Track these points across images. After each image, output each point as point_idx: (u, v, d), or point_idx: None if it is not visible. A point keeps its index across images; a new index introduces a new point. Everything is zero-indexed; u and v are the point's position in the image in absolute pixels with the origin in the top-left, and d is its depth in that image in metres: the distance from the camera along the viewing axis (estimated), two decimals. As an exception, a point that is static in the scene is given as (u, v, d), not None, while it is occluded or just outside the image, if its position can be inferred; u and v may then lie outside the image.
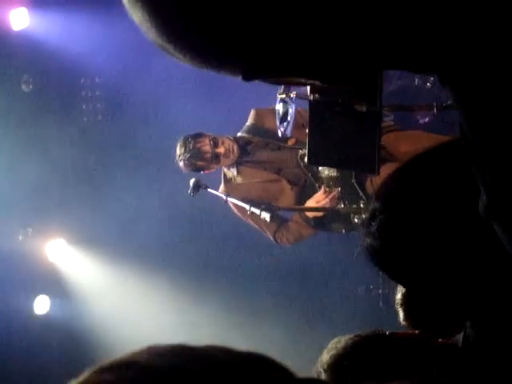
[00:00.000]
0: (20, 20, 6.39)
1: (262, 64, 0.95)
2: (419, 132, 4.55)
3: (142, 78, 6.25)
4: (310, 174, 4.54)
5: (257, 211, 4.26)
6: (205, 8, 0.88)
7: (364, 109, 2.24)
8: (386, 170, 4.14)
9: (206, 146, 4.58)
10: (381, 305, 5.53)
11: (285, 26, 0.89)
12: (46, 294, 6.80)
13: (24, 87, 6.62)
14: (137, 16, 0.93)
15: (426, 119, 4.57)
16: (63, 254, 6.76)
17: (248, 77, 0.96)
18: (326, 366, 1.71)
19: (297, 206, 4.64)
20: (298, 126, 4.07)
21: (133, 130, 6.47)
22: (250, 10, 0.88)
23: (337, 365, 1.67)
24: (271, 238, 4.72)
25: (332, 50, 0.93)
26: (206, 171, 4.69)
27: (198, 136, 4.63)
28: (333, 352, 1.71)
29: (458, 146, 0.97)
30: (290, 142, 4.57)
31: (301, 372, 0.81)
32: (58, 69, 6.59)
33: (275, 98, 3.83)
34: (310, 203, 4.51)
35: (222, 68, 0.97)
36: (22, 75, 6.61)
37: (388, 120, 4.34)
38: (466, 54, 0.90)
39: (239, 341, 5.69)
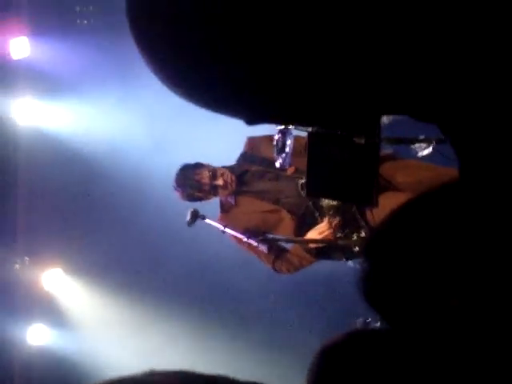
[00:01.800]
0: (20, 50, 6.44)
1: (266, 112, 0.96)
2: (418, 162, 4.55)
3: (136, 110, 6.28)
4: (310, 203, 4.52)
5: (254, 242, 4.24)
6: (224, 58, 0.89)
7: (362, 141, 2.24)
8: (384, 199, 4.14)
9: (205, 178, 4.58)
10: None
11: (285, 77, 0.90)
12: (42, 322, 6.76)
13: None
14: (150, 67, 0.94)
15: (425, 152, 4.57)
16: (60, 284, 6.74)
17: (251, 122, 0.97)
18: None
19: (296, 238, 4.62)
20: (296, 153, 4.07)
21: (134, 161, 6.48)
22: (261, 61, 0.89)
23: None
24: (270, 267, 4.69)
25: (332, 99, 0.93)
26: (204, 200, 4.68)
27: (196, 167, 4.63)
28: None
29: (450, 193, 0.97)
30: (289, 171, 4.55)
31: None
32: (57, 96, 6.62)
33: (269, 125, 3.82)
34: (312, 233, 4.48)
35: (227, 113, 0.98)
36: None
37: (386, 150, 4.34)
38: (465, 111, 0.91)
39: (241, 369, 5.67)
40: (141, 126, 6.48)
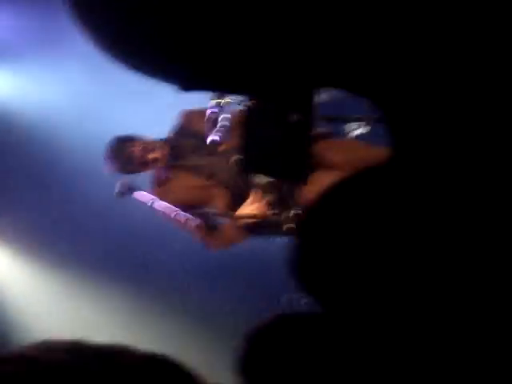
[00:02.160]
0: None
1: (200, 78, 0.96)
2: (351, 141, 4.57)
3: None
4: (241, 181, 4.50)
5: (188, 217, 4.22)
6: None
7: (295, 118, 2.21)
8: (316, 178, 4.14)
9: (138, 151, 4.53)
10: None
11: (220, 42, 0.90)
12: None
13: None
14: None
15: (360, 131, 4.60)
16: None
17: (185, 88, 0.96)
18: None
19: (229, 213, 4.61)
20: (229, 129, 4.04)
21: (61, 135, 6.38)
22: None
23: None
24: (200, 242, 4.67)
25: (265, 66, 0.93)
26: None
27: (128, 139, 4.57)
28: None
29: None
30: (221, 147, 4.52)
31: None
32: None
33: (205, 98, 3.78)
34: (243, 209, 4.48)
35: (161, 77, 0.97)
36: None
37: (322, 129, 4.34)
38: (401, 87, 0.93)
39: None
40: (69, 94, 6.38)
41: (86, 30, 0.93)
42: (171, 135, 4.73)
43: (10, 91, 6.56)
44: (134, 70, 0.96)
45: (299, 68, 0.93)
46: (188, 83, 0.97)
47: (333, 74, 0.95)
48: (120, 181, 4.45)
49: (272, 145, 2.99)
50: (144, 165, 4.57)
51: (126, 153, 4.52)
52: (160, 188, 4.64)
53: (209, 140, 3.98)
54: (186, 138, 4.67)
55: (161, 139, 4.67)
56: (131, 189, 4.43)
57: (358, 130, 4.49)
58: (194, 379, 0.80)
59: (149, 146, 4.56)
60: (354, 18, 0.89)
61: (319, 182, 3.77)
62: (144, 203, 4.46)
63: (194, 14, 0.87)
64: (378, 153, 3.92)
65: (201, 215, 4.33)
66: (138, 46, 0.92)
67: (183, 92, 0.98)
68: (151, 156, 4.54)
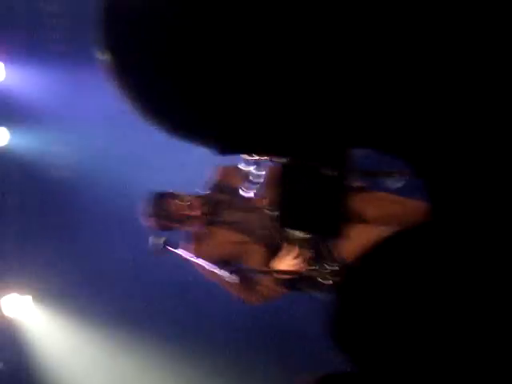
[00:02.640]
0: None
1: (238, 143, 0.98)
2: (388, 194, 4.55)
3: (111, 135, 6.24)
4: (282, 235, 4.50)
5: (226, 274, 4.21)
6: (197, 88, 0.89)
7: (329, 173, 2.22)
8: (354, 232, 4.13)
9: (178, 208, 4.51)
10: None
11: (256, 110, 0.92)
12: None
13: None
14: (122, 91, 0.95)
15: (396, 185, 4.58)
16: (20, 310, 6.66)
17: (224, 152, 0.98)
18: None
19: (268, 269, 4.59)
20: (266, 184, 4.05)
21: (99, 186, 6.42)
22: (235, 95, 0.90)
23: None
24: (240, 298, 4.65)
25: (301, 129, 0.95)
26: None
27: (172, 196, 4.56)
28: None
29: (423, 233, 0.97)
30: (261, 203, 4.53)
31: None
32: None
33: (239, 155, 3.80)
34: (284, 264, 4.46)
35: (199, 141, 0.99)
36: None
37: (357, 182, 4.33)
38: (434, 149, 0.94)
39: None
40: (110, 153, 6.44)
41: (123, 92, 0.95)
42: (208, 191, 4.74)
43: (36, 148, 6.65)
44: (170, 134, 0.97)
45: (332, 129, 0.94)
46: (224, 147, 0.97)
47: (365, 135, 0.96)
48: (153, 237, 4.44)
49: (308, 200, 2.99)
50: (182, 222, 4.56)
51: (165, 210, 4.51)
52: (197, 244, 4.63)
53: (245, 195, 3.98)
54: (223, 194, 4.68)
55: (198, 195, 4.67)
56: (169, 244, 4.42)
57: (393, 183, 4.48)
58: None
59: (187, 202, 4.54)
60: (386, 82, 0.90)
61: (355, 237, 3.77)
62: (186, 259, 4.45)
63: (227, 78, 0.88)
64: (414, 206, 3.91)
65: (238, 271, 4.32)
66: (174, 110, 0.94)
67: (220, 155, 0.99)
68: (190, 213, 4.53)
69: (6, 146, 6.69)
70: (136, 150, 6.15)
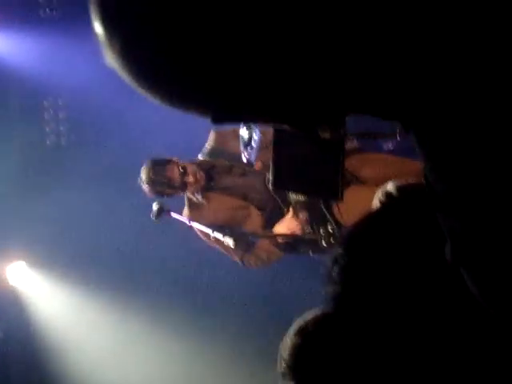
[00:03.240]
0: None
1: (231, 109, 0.96)
2: (383, 155, 4.56)
3: (105, 99, 6.20)
4: (278, 199, 4.51)
5: (220, 236, 4.22)
6: (183, 46, 0.88)
7: (328, 136, 2.22)
8: (350, 193, 4.14)
9: (175, 174, 4.52)
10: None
11: (255, 74, 0.90)
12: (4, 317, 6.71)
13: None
14: (109, 50, 0.93)
15: (390, 145, 4.58)
16: (24, 277, 6.68)
17: (217, 120, 0.97)
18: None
19: (263, 232, 4.61)
20: (262, 147, 4.05)
21: (97, 151, 6.42)
22: (226, 53, 0.89)
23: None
24: (239, 261, 4.68)
25: (298, 98, 0.94)
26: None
27: (166, 163, 4.56)
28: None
29: (422, 191, 0.97)
30: (256, 167, 4.53)
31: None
32: (21, 90, 6.54)
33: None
34: (279, 228, 4.48)
35: (191, 109, 0.97)
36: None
37: (352, 143, 4.33)
38: (433, 103, 0.90)
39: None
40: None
41: (116, 61, 0.93)
42: (205, 156, 4.74)
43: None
44: (163, 103, 0.96)
45: (328, 95, 0.94)
46: (220, 116, 0.97)
47: (362, 101, 0.96)
48: (155, 203, 4.47)
49: (305, 163, 3.00)
50: (182, 187, 4.57)
51: (164, 176, 4.53)
52: (195, 210, 4.64)
53: (244, 158, 3.99)
54: (219, 159, 4.68)
55: (193, 161, 4.68)
56: (167, 210, 4.45)
57: (386, 144, 4.49)
58: None
59: (187, 168, 4.55)
60: None
61: (352, 199, 3.80)
62: (183, 223, 4.47)
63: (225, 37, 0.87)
64: (409, 167, 3.91)
65: (237, 234, 4.33)
66: (167, 78, 0.92)
67: (216, 124, 0.99)
68: (189, 178, 4.54)
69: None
70: (130, 115, 6.11)
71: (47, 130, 6.82)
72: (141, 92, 0.95)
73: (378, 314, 1.11)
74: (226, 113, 0.96)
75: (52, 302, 6.71)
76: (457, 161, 0.90)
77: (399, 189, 1.27)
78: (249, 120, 1.04)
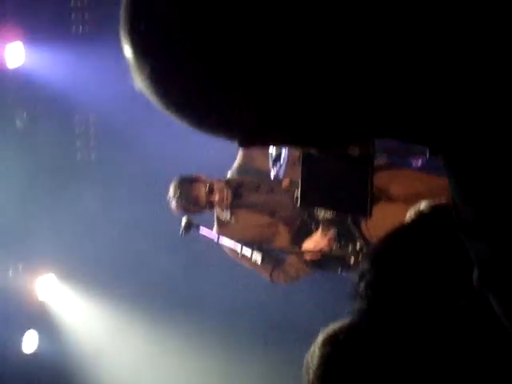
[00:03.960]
0: (15, 56, 6.36)
1: (259, 134, 0.96)
2: (412, 172, 4.54)
3: (136, 115, 6.23)
4: (306, 216, 4.50)
5: (248, 252, 4.23)
6: (213, 73, 0.89)
7: (357, 153, 2.22)
8: (378, 210, 4.12)
9: (202, 193, 4.54)
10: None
11: (285, 100, 0.90)
12: (36, 330, 6.72)
13: (18, 123, 6.61)
14: (138, 73, 0.94)
15: (419, 163, 4.56)
16: (53, 290, 6.71)
17: (244, 144, 0.98)
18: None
19: (292, 248, 4.60)
20: (290, 164, 4.05)
21: (126, 167, 6.45)
22: (256, 78, 0.89)
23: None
24: (268, 277, 4.67)
25: (328, 122, 0.94)
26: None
27: (194, 181, 4.59)
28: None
29: (449, 212, 0.96)
30: (284, 183, 4.53)
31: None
32: (53, 105, 6.60)
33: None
34: (308, 244, 4.47)
35: (220, 133, 0.98)
36: (16, 111, 6.61)
37: (381, 159, 4.32)
38: (461, 131, 0.91)
39: None
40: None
41: (145, 82, 0.94)
42: (233, 174, 4.75)
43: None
44: (192, 127, 0.97)
45: (357, 125, 0.94)
46: (247, 141, 0.98)
47: (391, 127, 0.96)
48: (184, 218, 4.49)
49: (334, 179, 3.00)
50: (209, 206, 4.59)
51: (192, 194, 4.55)
52: (223, 227, 4.65)
53: (272, 175, 3.99)
54: (247, 176, 4.68)
55: (220, 179, 4.69)
56: (196, 225, 4.46)
57: (416, 161, 4.47)
58: None
59: (213, 186, 4.56)
60: None
61: (382, 215, 3.78)
62: (211, 239, 4.48)
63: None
64: (437, 184, 3.89)
65: (265, 250, 4.33)
66: (198, 102, 0.92)
67: (242, 147, 0.99)
68: (215, 197, 4.55)
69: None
70: (159, 134, 6.13)
71: (77, 144, 6.87)
72: (169, 115, 0.96)
73: (404, 329, 1.11)
74: (253, 138, 0.97)
75: (82, 314, 6.73)
76: (486, 187, 0.90)
77: (431, 208, 1.27)
78: (276, 144, 1.04)
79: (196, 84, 0.90)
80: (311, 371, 1.60)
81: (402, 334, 1.12)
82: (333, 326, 1.67)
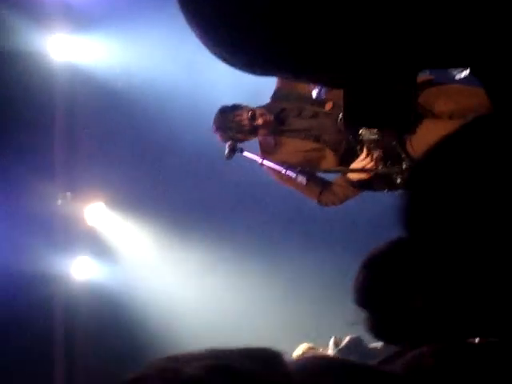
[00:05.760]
0: None
1: (311, 65, 0.98)
2: (457, 86, 4.44)
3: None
4: (351, 138, 4.46)
5: (293, 174, 4.22)
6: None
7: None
8: (423, 127, 4.07)
9: (245, 119, 4.54)
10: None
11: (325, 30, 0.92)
12: (87, 255, 6.85)
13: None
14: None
15: (462, 75, 4.45)
16: (102, 218, 6.81)
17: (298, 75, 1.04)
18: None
19: (337, 168, 4.58)
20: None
21: (169, 100, 6.46)
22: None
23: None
24: (315, 200, 4.67)
25: (370, 56, 0.98)
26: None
27: (236, 108, 4.59)
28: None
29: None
30: (327, 107, 4.48)
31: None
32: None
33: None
34: (354, 166, 4.45)
35: (271, 72, 1.01)
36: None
37: (424, 75, 4.24)
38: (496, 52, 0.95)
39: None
40: (174, 59, 6.42)
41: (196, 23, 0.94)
42: (274, 100, 4.72)
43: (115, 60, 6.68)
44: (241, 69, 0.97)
45: (401, 51, 0.94)
46: (299, 70, 0.98)
47: (434, 55, 0.96)
48: (228, 142, 4.48)
49: (377, 96, 2.96)
50: (253, 132, 4.58)
51: (234, 122, 4.54)
52: (267, 153, 4.63)
53: (314, 96, 3.94)
54: (289, 101, 4.65)
55: (262, 105, 4.67)
56: (240, 149, 4.46)
57: (461, 73, 4.37)
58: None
59: (256, 112, 4.56)
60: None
61: (428, 132, 3.73)
62: (255, 161, 4.48)
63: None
64: (484, 96, 3.81)
65: (305, 172, 4.31)
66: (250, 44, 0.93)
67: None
68: (259, 122, 4.55)
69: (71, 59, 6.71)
70: (199, 65, 6.09)
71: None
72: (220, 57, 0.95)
73: (447, 241, 1.10)
74: (305, 69, 0.97)
75: (132, 239, 6.83)
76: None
77: (477, 120, 1.24)
78: (322, 72, 1.04)
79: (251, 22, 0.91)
80: (357, 289, 1.60)
81: (444, 249, 1.10)
82: (378, 245, 1.67)
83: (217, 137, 4.62)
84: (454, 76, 4.43)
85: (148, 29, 6.37)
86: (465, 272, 1.08)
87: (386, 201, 4.52)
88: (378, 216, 5.62)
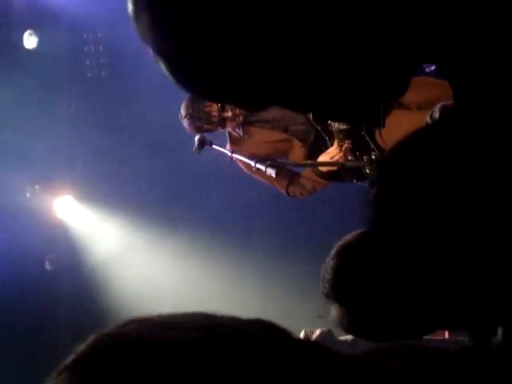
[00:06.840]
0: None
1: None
2: (425, 78, 4.46)
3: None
4: (319, 129, 4.46)
5: (262, 167, 4.21)
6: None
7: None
8: (392, 118, 4.08)
9: (214, 110, 4.51)
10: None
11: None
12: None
13: (27, 44, 6.57)
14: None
15: (432, 67, 4.47)
16: (71, 211, 6.77)
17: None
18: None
19: (307, 162, 4.58)
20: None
21: (137, 85, 6.41)
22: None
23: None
24: (284, 191, 4.67)
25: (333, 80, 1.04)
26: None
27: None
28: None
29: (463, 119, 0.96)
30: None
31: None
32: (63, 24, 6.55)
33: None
34: (324, 158, 4.44)
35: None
36: (26, 30, 6.56)
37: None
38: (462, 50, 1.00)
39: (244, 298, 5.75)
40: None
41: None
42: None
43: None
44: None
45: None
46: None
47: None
48: (197, 135, 4.47)
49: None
50: (221, 122, 4.57)
51: (204, 112, 4.52)
52: (236, 144, 4.63)
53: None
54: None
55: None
56: (209, 142, 4.45)
57: (431, 66, 4.39)
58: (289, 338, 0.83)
59: (219, 104, 4.53)
60: None
61: (396, 123, 3.74)
62: (225, 154, 4.47)
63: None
64: (450, 89, 3.82)
65: (276, 165, 4.31)
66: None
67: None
68: (228, 113, 4.53)
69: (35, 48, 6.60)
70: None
71: (87, 62, 6.82)
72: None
73: (412, 235, 1.10)
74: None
75: (99, 235, 6.80)
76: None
77: (443, 110, 1.25)
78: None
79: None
80: (325, 282, 1.61)
81: (409, 241, 1.10)
82: (346, 237, 1.67)
83: (183, 124, 4.60)
84: (425, 68, 4.46)
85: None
86: (428, 264, 1.08)
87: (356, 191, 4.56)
88: (349, 208, 5.67)
